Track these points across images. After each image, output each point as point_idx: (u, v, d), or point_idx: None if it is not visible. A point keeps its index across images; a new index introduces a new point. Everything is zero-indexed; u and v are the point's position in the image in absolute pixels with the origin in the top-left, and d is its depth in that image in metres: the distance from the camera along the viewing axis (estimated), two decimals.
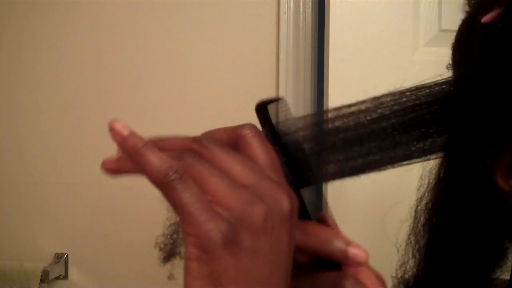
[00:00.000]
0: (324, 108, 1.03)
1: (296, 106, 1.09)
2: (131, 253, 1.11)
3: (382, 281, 0.33)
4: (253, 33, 1.11)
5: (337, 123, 0.34)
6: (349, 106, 0.35)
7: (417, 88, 0.34)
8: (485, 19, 0.30)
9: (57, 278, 1.10)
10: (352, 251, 0.31)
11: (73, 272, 1.12)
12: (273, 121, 0.32)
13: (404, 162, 0.33)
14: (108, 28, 1.12)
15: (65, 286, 1.12)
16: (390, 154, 0.33)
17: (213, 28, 1.11)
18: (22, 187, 1.13)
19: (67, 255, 1.12)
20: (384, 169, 0.34)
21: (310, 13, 1.10)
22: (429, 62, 0.97)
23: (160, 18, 1.12)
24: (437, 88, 0.33)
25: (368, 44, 1.00)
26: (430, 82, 0.34)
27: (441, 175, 0.39)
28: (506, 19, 0.30)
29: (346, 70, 1.00)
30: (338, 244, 0.31)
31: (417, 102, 0.33)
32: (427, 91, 0.33)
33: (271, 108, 0.32)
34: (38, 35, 1.13)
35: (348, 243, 0.31)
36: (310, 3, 1.10)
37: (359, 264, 0.31)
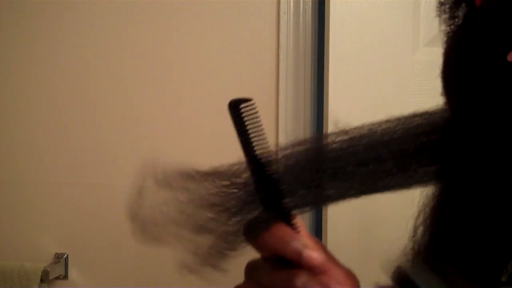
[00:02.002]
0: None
1: (296, 106, 1.09)
2: (131, 253, 1.11)
3: (352, 279, 0.34)
4: (253, 33, 1.11)
5: (333, 150, 0.35)
6: (346, 132, 0.36)
7: (416, 115, 0.35)
8: None
9: (57, 278, 1.10)
10: (306, 254, 0.31)
11: (73, 272, 1.12)
12: (245, 121, 0.33)
13: (403, 188, 0.35)
14: (108, 28, 1.12)
15: (65, 286, 1.12)
16: (387, 181, 0.34)
17: (213, 28, 1.11)
18: (22, 187, 1.13)
19: (67, 255, 1.12)
20: (382, 192, 0.35)
21: (310, 13, 1.10)
22: (429, 62, 0.97)
23: (160, 18, 1.12)
24: (436, 116, 0.34)
25: (368, 44, 1.00)
26: (429, 110, 0.35)
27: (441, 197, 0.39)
28: None
29: (346, 70, 1.00)
30: (293, 246, 0.32)
31: (417, 130, 0.34)
32: (427, 118, 0.34)
33: (244, 108, 0.33)
34: (35, 36, 1.13)
35: (304, 245, 0.32)
36: (310, 3, 1.10)
37: (313, 266, 0.32)
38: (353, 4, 1.00)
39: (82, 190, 1.12)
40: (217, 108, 1.11)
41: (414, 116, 0.35)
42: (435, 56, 1.07)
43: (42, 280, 1.06)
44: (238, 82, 1.11)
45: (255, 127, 0.33)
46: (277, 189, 0.34)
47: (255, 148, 0.33)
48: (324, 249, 0.34)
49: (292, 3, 1.09)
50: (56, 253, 1.11)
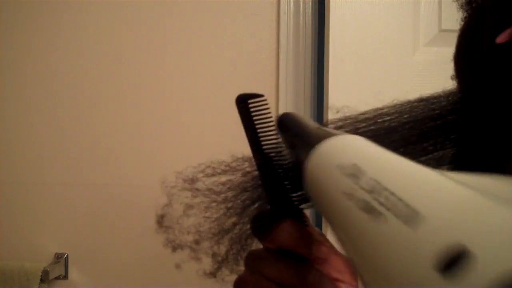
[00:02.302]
0: (325, 112, 1.03)
1: (296, 106, 1.09)
2: (131, 253, 1.11)
3: (350, 267, 0.34)
4: (253, 33, 1.11)
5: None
6: (352, 117, 0.36)
7: (422, 100, 0.35)
8: (500, 39, 0.30)
9: (57, 278, 1.10)
10: (315, 248, 0.32)
11: (73, 272, 1.12)
12: (253, 116, 0.33)
13: None
14: (107, 28, 1.12)
15: (65, 286, 1.12)
16: None
17: (213, 28, 1.11)
18: (22, 187, 1.13)
19: (67, 255, 1.12)
20: None
21: (310, 13, 1.10)
22: (429, 62, 0.97)
23: (159, 18, 1.12)
24: (444, 100, 0.34)
25: (368, 44, 1.00)
26: (436, 94, 0.35)
27: None
28: None
29: (346, 70, 1.00)
30: (303, 241, 0.32)
31: (425, 114, 0.34)
32: (434, 102, 0.35)
33: (251, 103, 0.33)
34: (34, 36, 1.13)
35: (313, 240, 0.32)
36: (310, 3, 1.10)
37: (319, 258, 0.32)
38: (353, 4, 1.00)
39: (82, 190, 1.12)
40: (217, 108, 1.11)
41: (420, 100, 0.35)
42: (435, 56, 1.08)
43: (42, 280, 1.05)
44: (238, 82, 1.11)
45: (263, 123, 0.33)
46: (284, 184, 0.33)
47: (262, 144, 0.33)
48: (327, 240, 0.35)
49: (292, 3, 1.09)
50: (56, 253, 1.11)
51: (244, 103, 0.33)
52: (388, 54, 1.00)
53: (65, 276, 1.11)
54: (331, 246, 0.35)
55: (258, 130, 0.33)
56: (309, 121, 0.31)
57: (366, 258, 0.19)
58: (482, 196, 0.16)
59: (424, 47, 1.00)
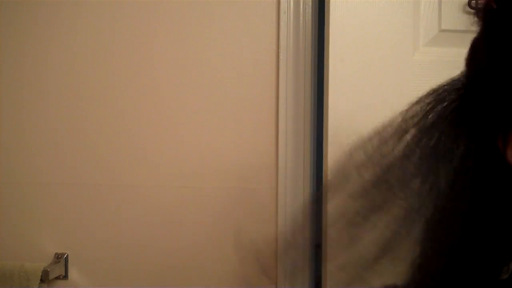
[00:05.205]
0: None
1: (296, 107, 1.09)
2: (131, 253, 1.11)
3: None
4: (253, 33, 1.11)
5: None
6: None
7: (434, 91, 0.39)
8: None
9: (57, 278, 1.10)
10: None
11: (73, 272, 1.12)
12: None
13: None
14: (111, 28, 1.12)
15: (65, 286, 1.12)
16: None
17: (213, 28, 1.11)
18: (22, 187, 1.13)
19: (67, 255, 1.12)
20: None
21: (310, 13, 1.10)
22: (429, 62, 0.97)
23: (160, 18, 1.12)
24: (450, 86, 0.37)
25: (368, 44, 1.00)
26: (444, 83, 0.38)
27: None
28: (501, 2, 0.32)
29: (346, 70, 1.00)
30: None
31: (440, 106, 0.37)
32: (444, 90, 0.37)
33: None
34: (43, 35, 1.13)
35: None
36: (310, 3, 1.10)
37: None
38: (353, 4, 1.00)
39: (82, 190, 1.12)
40: (217, 107, 1.11)
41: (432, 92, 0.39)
42: (435, 56, 1.08)
43: (42, 280, 1.06)
44: (238, 82, 1.11)
45: None
46: None
47: None
48: None
49: (292, 3, 1.09)
50: (56, 253, 1.11)
51: None
52: (388, 54, 0.99)
53: (65, 276, 1.12)
54: None
55: None
56: None
57: None
58: None
59: (424, 47, 0.99)
